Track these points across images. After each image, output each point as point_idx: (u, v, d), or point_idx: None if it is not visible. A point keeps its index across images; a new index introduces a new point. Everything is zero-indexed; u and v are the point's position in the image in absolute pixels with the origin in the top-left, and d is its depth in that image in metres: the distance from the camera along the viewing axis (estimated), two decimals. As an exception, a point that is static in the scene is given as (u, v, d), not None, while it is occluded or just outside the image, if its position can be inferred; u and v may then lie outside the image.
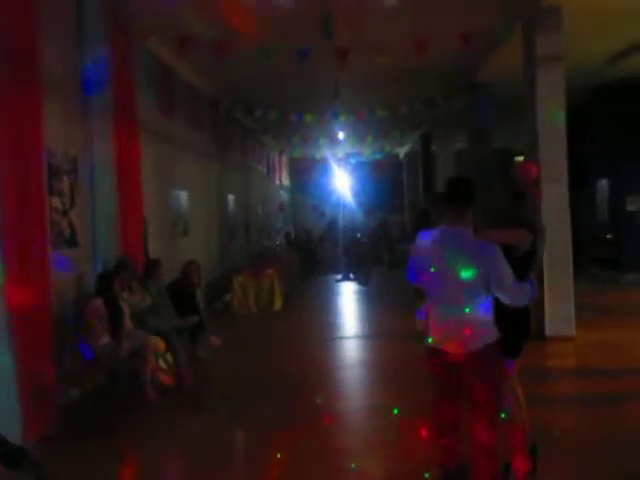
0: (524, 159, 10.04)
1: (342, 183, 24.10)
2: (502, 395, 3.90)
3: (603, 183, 15.62)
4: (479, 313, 3.69)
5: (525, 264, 4.05)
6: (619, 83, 13.75)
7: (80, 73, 7.30)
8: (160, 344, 7.07)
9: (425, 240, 3.88)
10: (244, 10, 8.21)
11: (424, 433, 4.55)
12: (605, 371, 7.25)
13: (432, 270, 3.75)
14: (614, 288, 13.42)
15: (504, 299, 3.72)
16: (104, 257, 7.38)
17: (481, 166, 13.72)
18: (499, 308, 3.77)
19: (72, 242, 6.97)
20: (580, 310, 8.84)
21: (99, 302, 6.53)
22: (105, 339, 6.55)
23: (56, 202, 6.64)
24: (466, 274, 3.61)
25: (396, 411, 5.83)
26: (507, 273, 3.64)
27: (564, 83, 8.74)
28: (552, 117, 8.65)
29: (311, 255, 21.23)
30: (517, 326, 4.11)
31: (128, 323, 6.87)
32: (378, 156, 25.70)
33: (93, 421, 6.12)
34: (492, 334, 3.74)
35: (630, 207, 14.37)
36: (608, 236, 15.12)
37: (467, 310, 3.66)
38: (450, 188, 3.85)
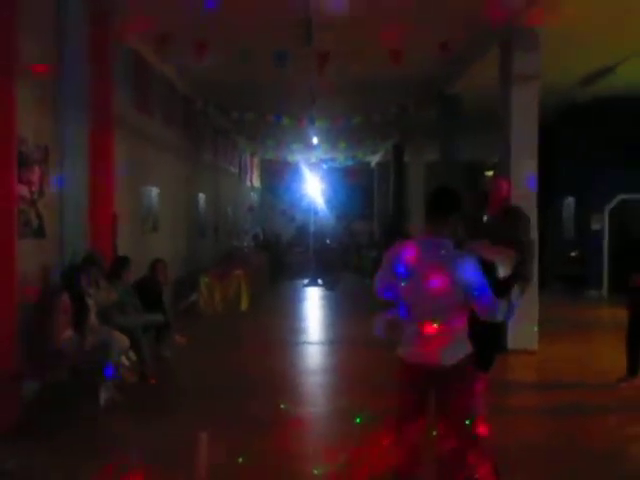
0: (495, 175, 10.18)
1: (313, 188, 24.13)
2: (474, 409, 3.90)
3: (570, 201, 15.92)
4: (455, 326, 3.65)
5: (507, 285, 4.08)
6: (588, 104, 14.06)
7: (56, 64, 7.21)
8: (124, 341, 6.99)
9: (402, 250, 3.82)
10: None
11: (386, 441, 4.55)
12: (564, 384, 7.39)
13: (408, 281, 3.68)
14: (578, 304, 13.67)
15: (478, 312, 3.68)
16: (72, 250, 7.28)
17: (451, 179, 13.85)
18: (471, 322, 3.78)
19: (39, 233, 6.87)
20: (543, 325, 8.98)
21: (65, 296, 6.44)
22: (68, 333, 6.46)
23: (25, 191, 6.55)
24: (442, 285, 3.57)
25: (359, 418, 5.84)
26: (483, 286, 3.60)
27: (538, 102, 8.90)
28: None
29: (280, 258, 21.22)
30: (488, 340, 4.14)
31: (93, 319, 6.77)
32: (350, 163, 25.81)
33: (53, 416, 6.02)
34: (466, 347, 3.71)
35: (595, 226, 14.65)
36: (573, 253, 15.40)
37: (443, 323, 3.60)
38: (432, 199, 3.82)
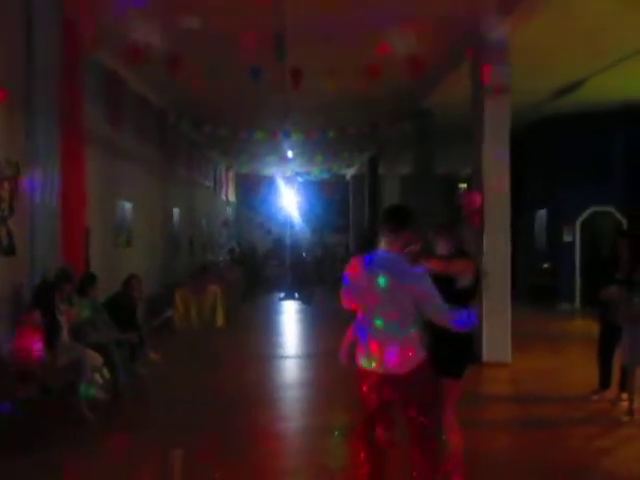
0: (468, 188, 10.28)
1: (289, 201, 24.15)
2: (436, 415, 3.99)
3: (542, 213, 16.10)
4: (409, 336, 3.80)
5: (466, 296, 4.22)
6: (559, 117, 14.25)
7: (27, 79, 7.16)
8: (97, 358, 6.91)
9: (359, 264, 4.00)
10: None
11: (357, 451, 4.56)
12: (537, 397, 7.44)
13: (362, 294, 3.89)
14: (550, 316, 13.79)
15: (435, 321, 3.85)
16: (43, 267, 7.19)
17: (425, 191, 13.97)
18: (440, 329, 3.88)
19: (10, 250, 6.78)
20: (516, 337, 9.04)
21: (36, 314, 6.35)
22: (39, 352, 6.36)
23: (-6, 208, 6.48)
24: (394, 298, 3.75)
25: (337, 432, 5.85)
26: (433, 295, 3.78)
27: (510, 114, 9.01)
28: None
29: (256, 272, 21.15)
30: (459, 347, 4.23)
31: (65, 336, 6.69)
32: (326, 176, 25.86)
33: (23, 436, 5.92)
34: (420, 356, 3.84)
35: (567, 238, 14.83)
36: (545, 265, 15.56)
37: (397, 333, 3.78)
38: (385, 216, 4.03)
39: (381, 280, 3.78)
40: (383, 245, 3.94)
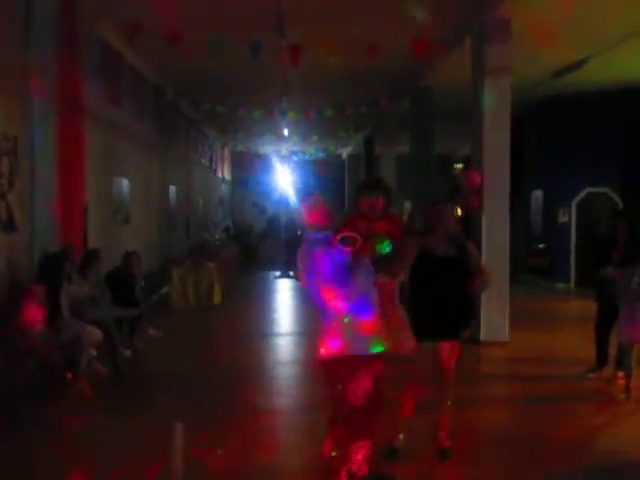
0: (467, 167, 10.24)
1: (284, 180, 24.10)
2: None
3: (538, 194, 16.12)
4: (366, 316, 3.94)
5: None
6: (556, 97, 14.20)
7: (25, 55, 7.09)
8: (97, 334, 6.92)
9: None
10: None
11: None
12: (534, 375, 7.50)
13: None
14: (546, 296, 13.88)
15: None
16: (43, 243, 7.18)
17: (421, 170, 13.94)
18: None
19: (10, 226, 6.76)
20: (514, 317, 9.10)
21: (38, 289, 6.35)
22: (40, 327, 6.37)
23: (-6, 184, 6.45)
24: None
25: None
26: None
27: (510, 94, 8.97)
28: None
29: (251, 250, 21.15)
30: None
31: (66, 312, 6.70)
32: (321, 155, 25.78)
33: (21, 412, 5.94)
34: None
35: (562, 218, 14.86)
36: (541, 246, 15.62)
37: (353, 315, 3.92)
38: None
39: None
40: None
